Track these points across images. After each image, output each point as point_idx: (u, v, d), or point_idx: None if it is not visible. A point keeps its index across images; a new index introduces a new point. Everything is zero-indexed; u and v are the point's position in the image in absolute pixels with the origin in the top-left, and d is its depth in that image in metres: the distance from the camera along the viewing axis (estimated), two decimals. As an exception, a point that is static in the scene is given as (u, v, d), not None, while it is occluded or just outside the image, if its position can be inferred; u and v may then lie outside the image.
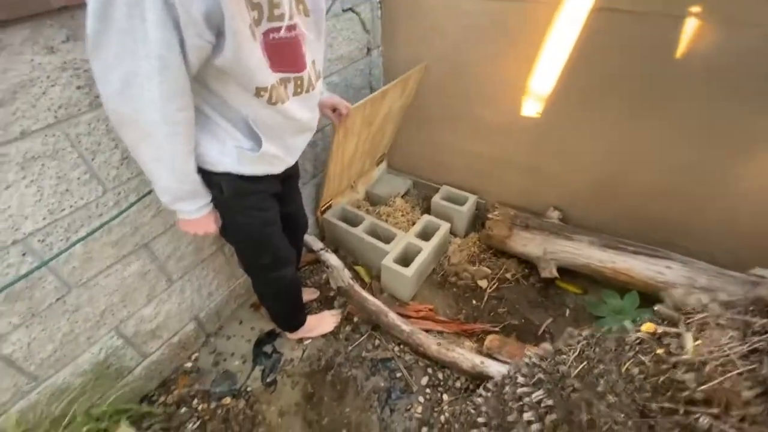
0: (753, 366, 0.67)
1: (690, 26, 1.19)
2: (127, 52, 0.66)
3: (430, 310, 1.73)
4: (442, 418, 1.39)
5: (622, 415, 0.82)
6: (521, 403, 1.05)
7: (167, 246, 1.29)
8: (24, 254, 0.95)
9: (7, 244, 0.92)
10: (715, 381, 0.68)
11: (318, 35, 0.94)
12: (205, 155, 0.92)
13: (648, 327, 0.78)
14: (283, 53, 0.84)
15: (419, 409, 1.43)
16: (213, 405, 1.46)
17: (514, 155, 1.84)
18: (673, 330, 0.76)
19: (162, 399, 1.45)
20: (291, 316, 1.53)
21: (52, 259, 1.00)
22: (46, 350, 1.09)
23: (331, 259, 1.74)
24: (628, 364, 0.83)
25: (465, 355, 1.46)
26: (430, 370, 1.54)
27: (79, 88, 0.91)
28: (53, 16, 0.82)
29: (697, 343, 0.72)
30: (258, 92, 0.83)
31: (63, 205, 0.98)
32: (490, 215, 1.91)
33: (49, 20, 0.82)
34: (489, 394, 1.19)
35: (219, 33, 0.71)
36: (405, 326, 1.56)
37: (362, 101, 1.49)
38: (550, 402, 0.97)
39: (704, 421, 0.67)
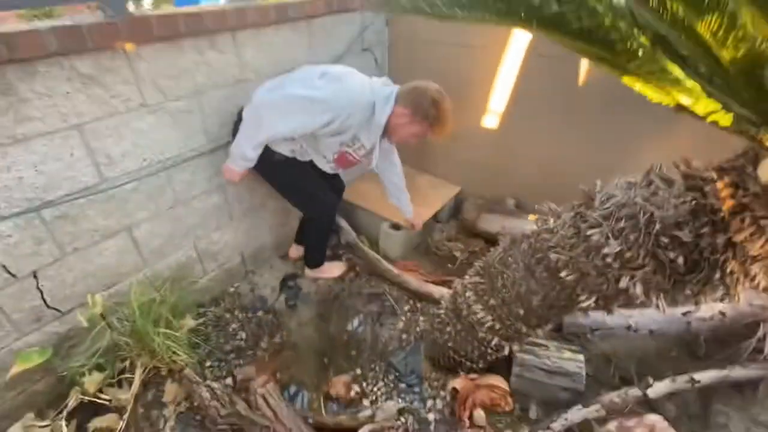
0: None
1: (584, 64, 1.87)
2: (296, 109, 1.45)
3: (416, 265, 2.27)
4: (417, 329, 1.90)
5: (518, 275, 1.36)
6: (467, 295, 1.58)
7: (235, 191, 1.89)
8: (161, 171, 1.55)
9: (153, 162, 1.52)
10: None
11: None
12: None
13: (532, 217, 1.34)
14: (342, 160, 1.71)
15: (401, 324, 1.94)
16: (249, 315, 1.97)
17: (480, 157, 2.47)
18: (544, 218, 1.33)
19: (213, 309, 1.97)
20: (320, 252, 2.11)
21: (173, 166, 1.58)
22: (155, 243, 1.66)
23: (342, 222, 2.32)
24: (523, 244, 1.39)
25: (438, 289, 1.99)
26: (411, 301, 2.06)
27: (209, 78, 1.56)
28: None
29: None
30: (323, 158, 1.70)
31: (185, 145, 1.60)
32: (465, 204, 2.51)
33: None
34: (449, 301, 1.72)
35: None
36: (395, 270, 2.11)
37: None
38: (483, 286, 1.51)
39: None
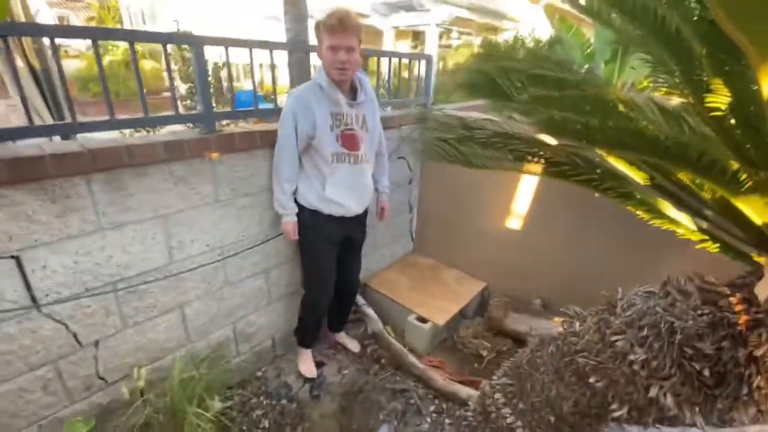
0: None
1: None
2: (280, 136, 1.63)
3: (441, 361, 2.26)
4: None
5: (548, 378, 1.38)
6: (496, 397, 1.57)
7: (276, 276, 2.05)
8: (219, 255, 1.75)
9: (214, 248, 1.73)
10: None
11: (371, 142, 1.80)
12: (299, 192, 1.78)
13: (557, 320, 1.40)
14: (348, 139, 1.69)
15: (426, 426, 1.88)
16: (273, 403, 1.97)
17: (505, 256, 2.59)
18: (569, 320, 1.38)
19: (240, 392, 1.99)
20: (304, 333, 2.13)
21: (229, 265, 1.79)
22: (200, 321, 1.79)
23: (369, 311, 2.40)
24: (551, 347, 1.43)
25: (464, 389, 1.96)
26: (437, 401, 2.01)
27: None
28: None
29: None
30: (332, 157, 1.67)
31: (244, 233, 1.82)
32: (491, 302, 2.56)
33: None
34: (477, 403, 1.69)
35: (314, 135, 1.62)
36: (420, 365, 2.10)
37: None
38: (512, 388, 1.51)
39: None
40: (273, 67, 1.86)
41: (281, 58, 2.27)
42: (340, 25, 1.48)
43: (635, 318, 1.18)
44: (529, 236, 2.44)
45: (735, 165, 0.67)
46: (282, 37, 2.69)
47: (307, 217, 1.82)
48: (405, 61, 2.59)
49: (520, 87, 0.83)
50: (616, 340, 1.17)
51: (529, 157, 0.91)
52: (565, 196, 2.22)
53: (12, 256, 1.21)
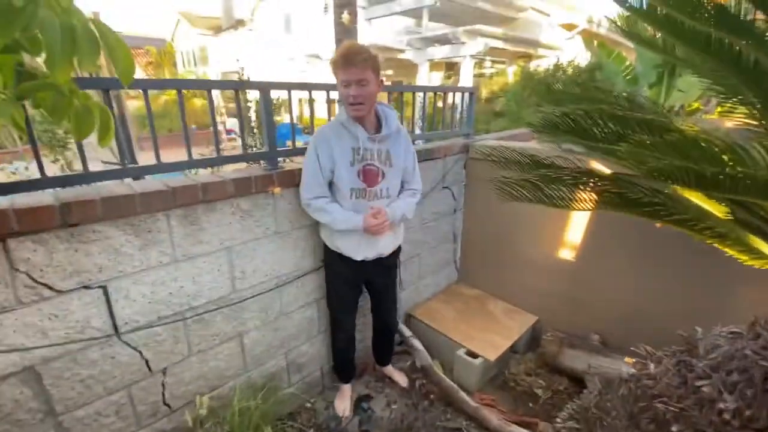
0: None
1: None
2: (303, 173, 1.65)
3: (493, 399, 2.16)
4: (501, 477, 1.73)
5: (621, 424, 1.29)
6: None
7: (325, 306, 2.09)
8: (276, 285, 1.82)
9: (272, 277, 1.80)
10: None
11: (395, 178, 1.73)
12: (321, 230, 1.80)
13: (629, 360, 1.31)
14: (369, 175, 1.67)
15: (482, 469, 1.78)
16: (323, 436, 1.95)
17: (558, 288, 2.49)
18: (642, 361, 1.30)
19: (290, 423, 2.00)
20: (336, 368, 2.15)
21: (285, 294, 1.84)
22: (256, 350, 1.84)
23: (417, 344, 2.36)
24: (622, 389, 1.34)
25: (520, 430, 1.85)
26: (491, 443, 1.91)
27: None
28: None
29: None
30: (350, 192, 1.66)
31: (299, 264, 1.88)
32: (544, 336, 2.45)
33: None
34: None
35: (333, 169, 1.63)
36: (472, 403, 2.03)
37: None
38: (580, 433, 1.42)
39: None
40: (330, 102, 1.97)
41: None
42: (343, 60, 1.47)
43: (722, 361, 1.09)
44: (583, 267, 2.35)
45: None
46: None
47: (327, 256, 1.87)
48: (449, 93, 2.66)
49: (602, 126, 0.84)
50: (702, 386, 1.09)
51: (611, 195, 0.90)
52: (621, 226, 2.13)
53: (100, 286, 1.32)
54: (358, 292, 1.98)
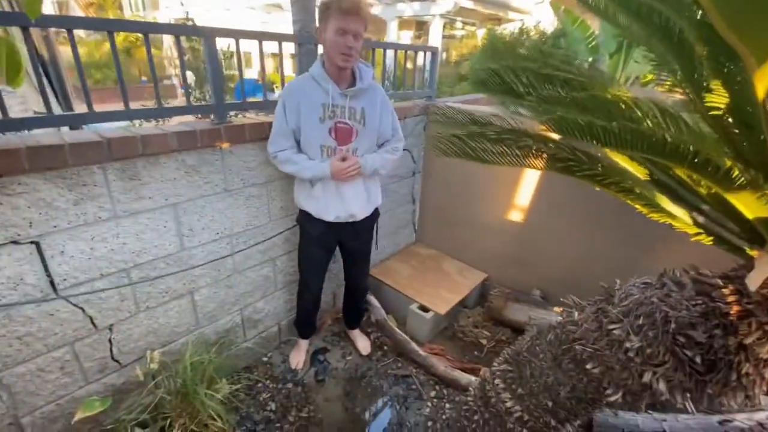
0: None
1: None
2: (272, 129, 1.61)
3: (442, 349, 2.32)
4: (444, 416, 1.89)
5: (546, 365, 1.43)
6: (496, 382, 1.63)
7: (283, 264, 2.10)
8: (228, 244, 1.80)
9: (224, 236, 1.78)
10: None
11: (369, 137, 1.67)
12: (294, 191, 1.79)
13: (557, 309, 1.44)
14: (342, 133, 1.62)
15: (427, 410, 1.94)
16: (279, 386, 2.03)
17: (506, 248, 2.64)
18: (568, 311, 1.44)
19: (246, 376, 2.06)
20: (297, 324, 2.19)
21: (236, 253, 1.84)
22: (209, 307, 1.84)
23: (373, 300, 2.46)
24: (550, 335, 1.48)
25: (464, 375, 2.02)
26: (437, 387, 2.07)
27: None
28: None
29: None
30: (320, 150, 1.62)
31: (251, 223, 1.87)
32: (491, 292, 2.61)
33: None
34: (477, 389, 1.75)
35: (299, 126, 1.59)
36: (422, 352, 2.17)
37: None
38: (512, 374, 1.57)
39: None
40: (281, 57, 1.88)
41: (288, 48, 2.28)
42: (355, 8, 1.40)
43: (632, 308, 1.22)
44: (530, 229, 2.49)
45: (728, 162, 0.71)
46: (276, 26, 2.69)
47: (299, 216, 1.85)
48: (410, 53, 2.61)
49: (528, 85, 0.87)
50: (613, 329, 1.22)
51: (536, 153, 0.95)
52: (565, 191, 2.26)
53: (32, 242, 1.26)
54: (328, 254, 1.96)
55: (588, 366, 1.28)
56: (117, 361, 1.59)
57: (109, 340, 1.55)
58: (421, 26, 12.40)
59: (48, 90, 2.65)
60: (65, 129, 1.65)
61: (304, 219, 1.82)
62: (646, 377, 1.14)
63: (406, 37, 12.50)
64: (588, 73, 0.90)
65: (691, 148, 0.70)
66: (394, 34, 10.88)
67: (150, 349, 1.63)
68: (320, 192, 1.69)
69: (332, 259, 2.04)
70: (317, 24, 1.49)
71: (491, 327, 2.56)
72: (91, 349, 1.50)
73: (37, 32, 2.55)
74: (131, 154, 1.38)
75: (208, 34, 1.50)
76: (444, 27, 11.21)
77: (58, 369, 1.44)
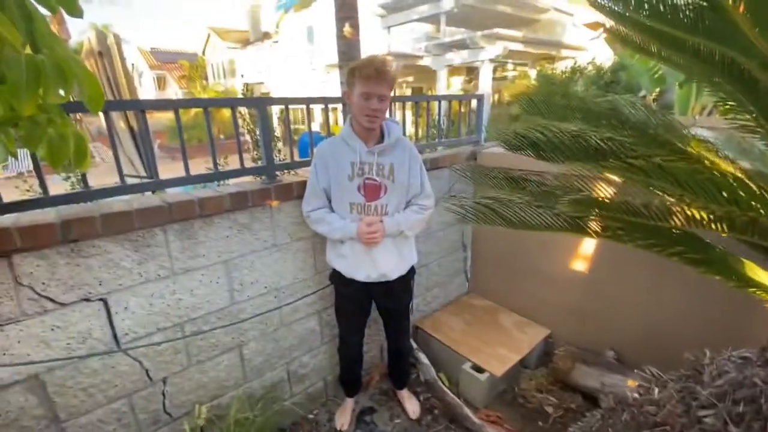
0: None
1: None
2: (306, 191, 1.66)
3: (499, 417, 2.09)
4: (503, 500, 1.66)
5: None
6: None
7: (328, 317, 2.09)
8: (275, 297, 1.84)
9: (271, 289, 1.82)
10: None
11: (398, 194, 1.66)
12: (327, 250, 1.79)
13: (631, 383, 1.23)
14: (370, 190, 1.62)
15: (483, 490, 1.72)
16: (324, 449, 1.95)
17: (572, 301, 2.39)
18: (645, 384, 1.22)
19: (291, 434, 2.00)
20: (340, 381, 2.13)
21: (284, 306, 1.86)
22: (256, 361, 1.86)
23: (422, 357, 2.32)
24: (625, 415, 1.26)
25: (525, 451, 1.78)
26: (495, 462, 1.84)
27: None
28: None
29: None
30: (350, 207, 1.63)
31: (298, 276, 1.90)
32: (556, 351, 2.35)
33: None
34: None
35: (329, 186, 1.62)
36: (476, 419, 1.96)
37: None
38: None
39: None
40: (327, 118, 1.98)
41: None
42: (376, 74, 1.44)
43: (728, 390, 1.01)
44: (599, 279, 2.24)
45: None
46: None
47: (332, 275, 1.85)
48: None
49: (557, 147, 0.80)
50: (705, 416, 1.01)
51: (587, 218, 0.85)
52: (632, 252, 2.02)
53: (101, 299, 1.38)
54: (363, 313, 1.92)
55: (676, 461, 1.05)
56: (168, 413, 1.63)
57: (163, 393, 1.60)
58: (471, 72, 12.68)
59: (137, 158, 3.06)
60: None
61: (336, 278, 1.81)
62: (757, 484, 0.90)
63: (457, 82, 12.82)
64: (642, 121, 0.81)
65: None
66: (444, 81, 11.22)
67: (199, 402, 1.66)
68: (349, 251, 1.69)
69: (375, 311, 1.99)
70: (346, 87, 1.56)
71: (557, 392, 2.28)
72: (146, 401, 1.56)
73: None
74: (190, 215, 1.49)
75: (260, 104, 1.64)
76: (495, 70, 11.34)
77: (116, 420, 1.51)
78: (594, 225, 0.86)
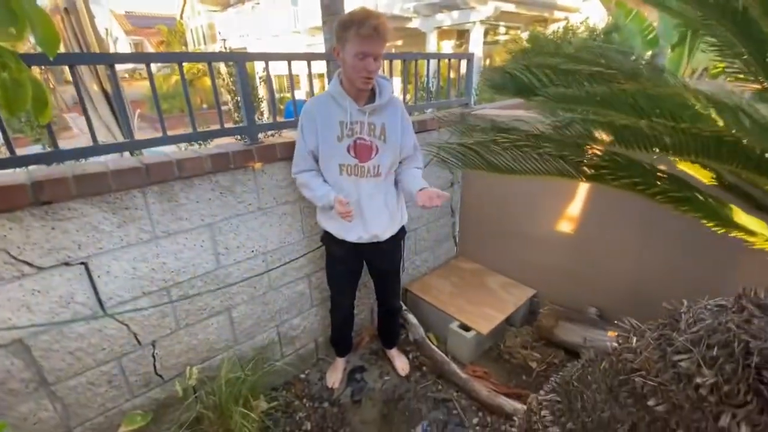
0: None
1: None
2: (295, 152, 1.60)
3: (485, 372, 2.17)
4: (487, 447, 1.75)
5: (600, 397, 1.26)
6: (543, 414, 1.47)
7: (317, 280, 2.10)
8: (263, 261, 1.83)
9: (258, 253, 1.81)
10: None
11: (391, 155, 1.61)
12: (317, 213, 1.76)
13: (611, 333, 1.27)
14: (362, 150, 1.56)
15: (469, 439, 1.81)
16: (315, 405, 2.01)
17: (557, 262, 2.43)
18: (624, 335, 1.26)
19: (284, 393, 2.06)
20: (332, 342, 2.16)
21: (272, 269, 1.86)
22: (246, 324, 1.87)
23: (411, 318, 2.37)
24: (604, 363, 1.31)
25: (509, 402, 1.86)
26: (480, 414, 1.93)
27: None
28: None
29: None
30: (339, 168, 1.58)
31: (285, 240, 1.88)
32: (541, 309, 2.41)
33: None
34: (522, 419, 1.60)
35: (316, 146, 1.55)
36: (463, 374, 2.03)
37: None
38: (561, 405, 1.41)
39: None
40: (310, 76, 1.90)
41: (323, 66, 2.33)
42: (375, 34, 1.36)
43: (703, 335, 1.04)
44: (583, 240, 2.28)
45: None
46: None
47: (324, 237, 1.83)
48: (445, 61, 2.54)
49: (548, 83, 0.77)
50: (680, 360, 1.04)
51: (562, 161, 0.84)
52: (622, 194, 2.03)
53: (81, 263, 1.35)
54: (355, 274, 1.92)
55: (650, 402, 1.10)
56: (160, 375, 1.65)
57: (153, 356, 1.61)
58: (462, 35, 12.27)
59: (112, 120, 2.93)
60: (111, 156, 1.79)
61: (328, 239, 1.79)
62: (724, 420, 0.95)
63: (447, 46, 12.41)
64: (634, 63, 0.78)
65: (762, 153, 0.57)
66: (433, 45, 10.86)
67: (190, 365, 1.68)
68: (334, 215, 1.63)
69: (366, 275, 2.00)
70: (335, 42, 1.46)
71: (541, 348, 2.36)
72: (136, 364, 1.57)
73: (103, 71, 2.84)
74: (168, 177, 1.45)
75: (239, 59, 1.56)
76: (486, 33, 10.99)
77: (107, 382, 1.52)
78: (581, 166, 0.85)
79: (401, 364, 2.22)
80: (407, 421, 1.92)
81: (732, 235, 0.88)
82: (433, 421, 1.90)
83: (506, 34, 12.38)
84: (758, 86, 0.91)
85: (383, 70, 2.18)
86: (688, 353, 1.04)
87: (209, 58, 1.57)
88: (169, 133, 1.52)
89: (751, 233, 0.81)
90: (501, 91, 0.91)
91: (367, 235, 1.69)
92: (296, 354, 2.15)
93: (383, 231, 1.72)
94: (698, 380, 0.99)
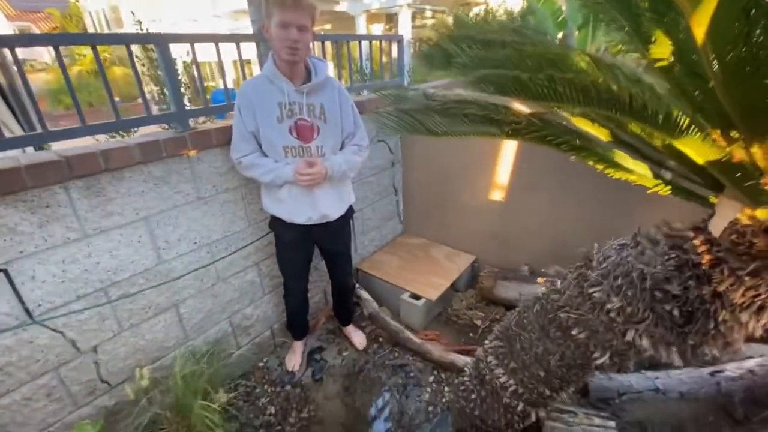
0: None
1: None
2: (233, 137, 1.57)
3: (437, 334, 2.32)
4: (443, 400, 1.90)
5: (534, 336, 1.44)
6: (489, 360, 1.64)
7: (267, 268, 2.08)
8: (207, 252, 1.78)
9: (201, 245, 1.75)
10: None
11: (333, 135, 1.63)
12: (262, 197, 1.74)
13: (541, 280, 1.45)
14: (303, 131, 1.57)
15: (427, 396, 1.95)
16: (277, 389, 2.02)
17: (491, 228, 2.65)
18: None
19: (244, 382, 2.04)
20: (288, 327, 2.18)
21: (218, 260, 1.81)
22: (196, 319, 1.82)
23: (364, 294, 2.45)
24: (536, 306, 1.49)
25: (460, 357, 2.03)
26: (435, 372, 2.08)
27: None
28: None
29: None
30: (284, 151, 1.57)
31: (230, 229, 1.84)
32: (481, 273, 2.62)
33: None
34: (472, 368, 1.76)
35: (256, 129, 1.54)
36: (416, 339, 2.17)
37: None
38: (503, 349, 1.58)
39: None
40: (240, 59, 1.85)
41: (251, 51, 2.25)
42: (296, 3, 1.35)
43: (610, 269, 1.23)
44: (512, 206, 2.50)
45: (676, 111, 0.71)
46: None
47: (271, 222, 1.82)
48: (376, 43, 2.59)
49: (469, 50, 0.86)
50: (594, 292, 1.23)
51: (482, 120, 0.95)
52: (541, 162, 2.27)
53: (0, 270, 1.23)
54: (306, 257, 1.93)
55: (574, 332, 1.29)
56: (106, 382, 1.56)
57: (95, 362, 1.52)
58: (391, 18, 12.33)
59: (8, 115, 2.59)
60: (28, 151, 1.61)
61: (276, 224, 1.78)
62: (629, 335, 1.15)
63: (377, 30, 12.42)
64: (536, 38, 0.90)
65: (630, 100, 0.70)
66: (363, 28, 10.80)
67: (139, 366, 1.60)
68: (287, 195, 1.65)
69: (317, 258, 2.03)
70: (264, 20, 1.44)
71: (485, 307, 2.58)
72: (77, 372, 1.47)
73: (-7, 59, 2.48)
74: (93, 170, 1.35)
75: (161, 40, 1.47)
76: (414, 18, 11.16)
77: (45, 396, 1.41)
78: (502, 126, 0.97)
79: (358, 338, 2.30)
80: (369, 390, 2.01)
81: (621, 177, 1.05)
82: (393, 386, 2.02)
83: (432, 17, 12.66)
84: (638, 54, 1.08)
85: (315, 52, 2.18)
86: (600, 285, 1.24)
87: (127, 39, 1.46)
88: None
89: (632, 173, 0.99)
90: (430, 60, 0.99)
91: (317, 215, 1.71)
92: (253, 343, 2.14)
93: (333, 211, 1.75)
94: (608, 306, 1.19)
